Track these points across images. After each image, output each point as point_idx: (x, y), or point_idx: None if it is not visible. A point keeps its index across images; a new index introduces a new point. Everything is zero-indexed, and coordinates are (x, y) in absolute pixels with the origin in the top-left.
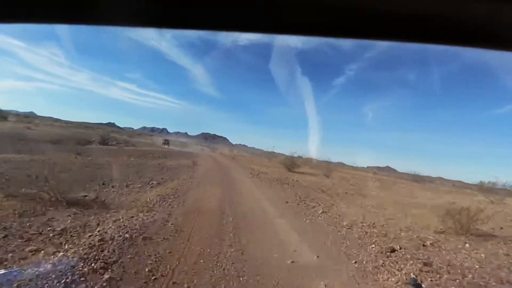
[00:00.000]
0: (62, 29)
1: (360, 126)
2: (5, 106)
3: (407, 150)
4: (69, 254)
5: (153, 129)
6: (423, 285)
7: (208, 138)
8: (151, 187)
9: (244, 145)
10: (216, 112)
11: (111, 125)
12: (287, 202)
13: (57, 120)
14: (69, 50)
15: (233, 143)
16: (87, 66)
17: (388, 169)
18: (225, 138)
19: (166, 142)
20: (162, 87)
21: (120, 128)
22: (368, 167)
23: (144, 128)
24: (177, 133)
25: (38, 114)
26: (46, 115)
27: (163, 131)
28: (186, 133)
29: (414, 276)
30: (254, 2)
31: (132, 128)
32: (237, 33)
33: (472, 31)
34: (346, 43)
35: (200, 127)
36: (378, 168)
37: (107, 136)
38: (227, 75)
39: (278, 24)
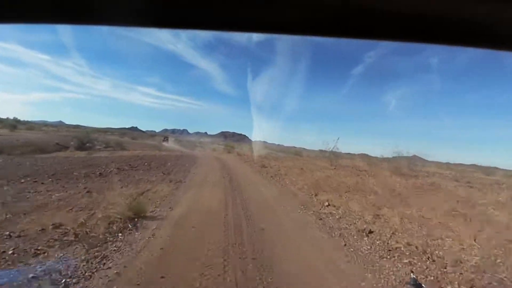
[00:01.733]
0: (84, 40)
1: (382, 115)
2: (35, 117)
3: (436, 138)
4: None
5: (173, 131)
6: (423, 285)
7: (227, 136)
8: None
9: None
10: (235, 110)
11: (133, 129)
12: None
13: (77, 126)
14: (91, 59)
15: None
16: (108, 74)
17: (416, 158)
18: (245, 135)
19: (165, 139)
20: (180, 89)
21: (142, 131)
22: (393, 157)
23: (166, 130)
24: (197, 133)
25: (66, 123)
26: (73, 123)
27: (184, 132)
28: (206, 132)
29: (413, 276)
30: (254, 2)
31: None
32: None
33: (472, 31)
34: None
35: (220, 126)
36: (406, 157)
37: (86, 139)
38: (243, 72)
39: (278, 24)
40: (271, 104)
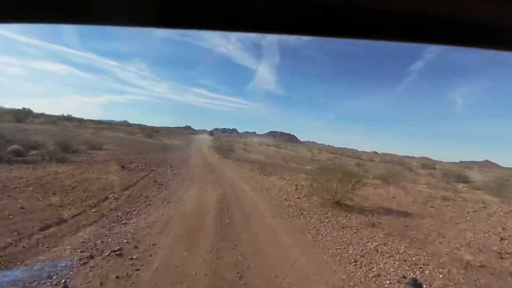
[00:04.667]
0: (145, 46)
1: (446, 116)
2: (104, 117)
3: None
4: None
5: (224, 130)
6: (423, 285)
7: (276, 136)
8: None
9: (313, 142)
10: (283, 110)
11: (187, 128)
12: None
13: (140, 125)
14: (152, 64)
15: (301, 140)
16: (166, 77)
17: (487, 164)
18: (293, 135)
19: (211, 133)
20: (231, 89)
21: (195, 130)
22: (461, 162)
23: (216, 129)
24: (246, 133)
25: (130, 122)
26: (136, 123)
27: (233, 131)
28: (254, 132)
29: (414, 276)
30: (254, 2)
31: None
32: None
33: (472, 31)
34: None
35: (268, 125)
36: (474, 162)
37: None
38: (292, 72)
39: (278, 24)
40: (320, 104)
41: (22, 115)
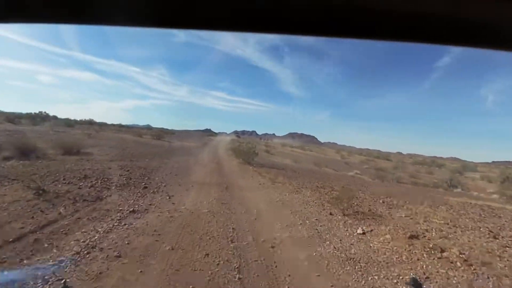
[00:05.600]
0: (167, 52)
1: (476, 113)
2: (128, 122)
3: None
4: None
5: (243, 132)
6: (423, 286)
7: (295, 137)
8: None
9: (333, 143)
10: (302, 111)
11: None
12: None
13: (162, 129)
14: (172, 69)
15: (322, 141)
16: (186, 81)
17: None
18: (313, 136)
19: (238, 134)
20: (249, 91)
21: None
22: (493, 162)
23: (236, 131)
24: (265, 134)
25: (153, 126)
26: (158, 126)
27: (252, 133)
28: (274, 134)
29: (413, 276)
30: (254, 2)
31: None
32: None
33: (472, 31)
34: None
35: (287, 127)
36: (509, 162)
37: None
38: (311, 72)
39: (278, 24)
40: (341, 104)
41: (39, 119)
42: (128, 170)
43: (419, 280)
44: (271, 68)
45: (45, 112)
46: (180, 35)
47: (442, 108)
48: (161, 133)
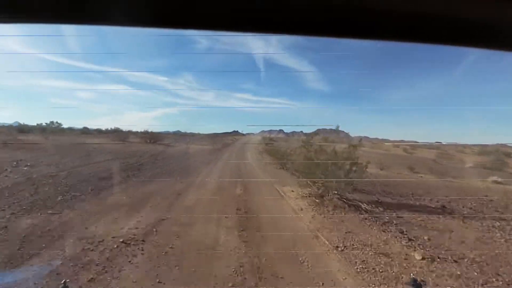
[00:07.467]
0: (191, 59)
1: None
2: (160, 129)
3: None
4: None
5: (270, 131)
6: (423, 285)
7: (325, 133)
8: None
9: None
10: (328, 106)
11: (235, 133)
12: None
13: (192, 134)
14: (197, 75)
15: (352, 135)
16: (211, 86)
17: None
18: (342, 131)
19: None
20: (274, 91)
21: (243, 134)
22: None
23: (263, 131)
24: (293, 133)
25: (182, 131)
26: (188, 131)
27: (280, 132)
28: (301, 131)
29: (413, 276)
30: (255, 2)
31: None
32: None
33: (472, 31)
34: None
35: (315, 123)
36: None
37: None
38: (336, 66)
39: (278, 24)
40: (369, 97)
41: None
42: None
43: (419, 280)
44: (295, 65)
45: (56, 122)
46: (203, 42)
47: (480, 92)
48: (160, 136)
